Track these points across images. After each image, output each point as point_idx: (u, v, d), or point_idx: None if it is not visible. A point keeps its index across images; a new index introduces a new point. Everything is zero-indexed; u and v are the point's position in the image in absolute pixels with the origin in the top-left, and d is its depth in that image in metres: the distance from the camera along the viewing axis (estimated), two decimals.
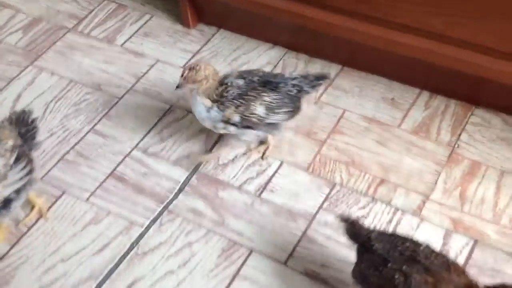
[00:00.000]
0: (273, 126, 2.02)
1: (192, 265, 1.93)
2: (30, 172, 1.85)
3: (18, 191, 1.81)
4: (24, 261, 1.93)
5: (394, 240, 1.55)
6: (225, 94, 1.92)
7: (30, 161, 1.85)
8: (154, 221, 2.04)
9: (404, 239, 1.55)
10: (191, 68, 1.88)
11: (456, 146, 2.19)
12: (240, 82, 1.94)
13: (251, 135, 2.05)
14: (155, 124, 2.33)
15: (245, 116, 1.93)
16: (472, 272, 1.80)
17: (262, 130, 2.02)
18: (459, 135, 2.23)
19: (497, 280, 1.81)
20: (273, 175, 2.16)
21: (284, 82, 1.96)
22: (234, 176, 2.16)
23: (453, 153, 2.17)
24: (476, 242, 1.93)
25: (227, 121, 1.94)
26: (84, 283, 1.88)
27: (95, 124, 2.33)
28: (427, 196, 2.05)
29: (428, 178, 2.10)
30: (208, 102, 1.93)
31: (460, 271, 1.48)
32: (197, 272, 1.91)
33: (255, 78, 1.96)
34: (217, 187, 2.14)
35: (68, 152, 2.24)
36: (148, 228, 2.02)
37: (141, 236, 2.00)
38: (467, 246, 1.92)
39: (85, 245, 1.98)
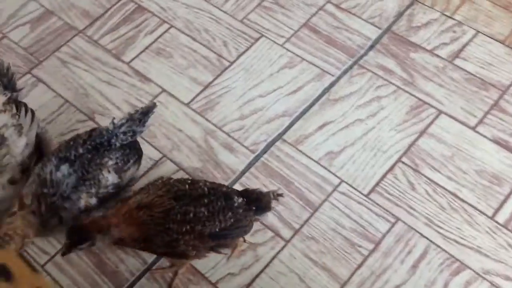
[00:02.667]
0: (132, 181, 1.72)
1: (381, 117, 2.02)
2: (33, 114, 1.75)
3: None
4: (227, 91, 2.12)
5: None
6: (58, 196, 1.53)
7: (25, 105, 1.74)
8: (345, 72, 2.14)
9: None
10: None
11: None
12: (64, 168, 1.55)
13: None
14: None
15: (101, 193, 1.59)
16: None
17: (123, 192, 1.69)
18: None
19: None
20: (467, 43, 2.15)
21: (114, 135, 1.63)
22: (426, 40, 2.18)
23: None
24: None
25: (87, 210, 1.58)
26: (279, 118, 2.04)
27: None
28: None
29: None
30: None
31: None
32: (385, 124, 2.01)
33: (81, 150, 1.59)
34: (408, 48, 2.16)
35: None
36: (339, 78, 2.12)
37: (332, 84, 2.11)
38: None
39: (281, 85, 2.12)
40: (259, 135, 2.01)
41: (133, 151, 1.66)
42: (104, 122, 2.02)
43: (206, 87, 2.13)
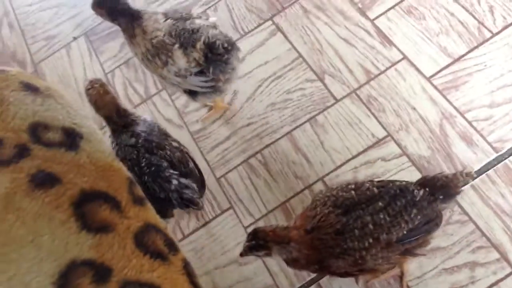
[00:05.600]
0: None
1: None
2: (214, 87, 1.71)
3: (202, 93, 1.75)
4: (480, 69, 1.76)
5: None
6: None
7: (216, 79, 1.68)
8: None
9: None
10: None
11: None
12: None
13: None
14: None
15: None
16: None
17: None
18: None
19: None
20: None
21: None
22: None
23: None
24: None
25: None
26: None
27: None
28: None
29: None
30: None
31: None
32: None
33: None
34: None
35: None
36: None
37: None
38: None
39: None
40: (509, 131, 1.65)
41: None
42: (333, 86, 1.88)
43: (456, 60, 1.81)
